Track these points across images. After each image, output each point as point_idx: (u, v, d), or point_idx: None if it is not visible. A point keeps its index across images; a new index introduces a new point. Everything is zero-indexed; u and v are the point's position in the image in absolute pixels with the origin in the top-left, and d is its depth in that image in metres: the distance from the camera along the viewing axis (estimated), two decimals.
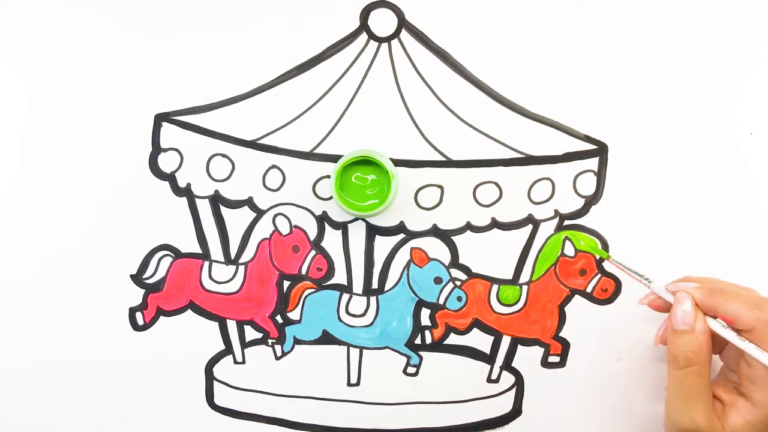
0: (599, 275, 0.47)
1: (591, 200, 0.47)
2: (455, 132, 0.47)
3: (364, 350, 0.48)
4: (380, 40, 0.47)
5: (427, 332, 0.48)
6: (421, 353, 0.48)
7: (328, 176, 0.47)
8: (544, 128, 0.47)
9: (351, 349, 0.48)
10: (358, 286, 0.48)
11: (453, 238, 0.47)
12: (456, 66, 0.47)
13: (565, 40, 0.46)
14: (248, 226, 0.48)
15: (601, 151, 0.47)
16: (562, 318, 0.47)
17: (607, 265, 0.47)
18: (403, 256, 0.48)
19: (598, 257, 0.45)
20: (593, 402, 0.48)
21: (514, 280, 0.48)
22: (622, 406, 0.48)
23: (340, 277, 0.48)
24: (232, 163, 0.47)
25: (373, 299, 0.48)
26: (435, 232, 0.47)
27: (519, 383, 0.48)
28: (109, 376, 0.48)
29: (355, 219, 0.48)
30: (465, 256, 0.47)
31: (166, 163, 0.48)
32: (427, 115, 0.47)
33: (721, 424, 0.39)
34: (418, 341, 0.48)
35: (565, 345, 0.48)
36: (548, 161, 0.47)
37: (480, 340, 0.48)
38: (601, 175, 0.47)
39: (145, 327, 0.48)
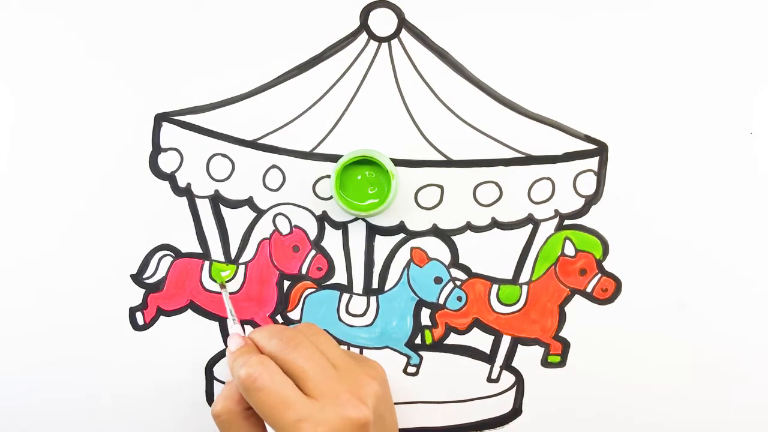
0: (599, 275, 0.47)
1: (591, 200, 0.47)
2: (455, 132, 0.47)
3: (364, 350, 0.48)
4: (380, 40, 0.47)
5: (426, 332, 0.48)
6: (421, 353, 0.48)
7: (328, 176, 0.47)
8: (544, 128, 0.47)
9: (351, 348, 0.48)
10: (358, 285, 0.48)
11: (453, 237, 0.47)
12: (456, 66, 0.47)
13: (565, 40, 0.46)
14: (248, 226, 0.48)
15: (601, 150, 0.47)
16: (562, 318, 0.47)
17: (607, 264, 0.47)
18: (403, 255, 0.48)
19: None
20: (593, 402, 0.48)
21: (514, 280, 0.48)
22: (623, 406, 0.48)
23: (340, 277, 0.48)
24: (232, 163, 0.47)
25: (373, 299, 0.48)
26: (435, 231, 0.47)
27: (519, 383, 0.48)
28: (109, 375, 0.48)
29: (355, 219, 0.48)
30: (465, 256, 0.47)
31: (166, 163, 0.48)
32: (427, 115, 0.47)
33: None
34: (418, 341, 0.48)
35: (565, 345, 0.48)
36: (548, 161, 0.47)
37: (480, 340, 0.48)
38: (601, 174, 0.47)
39: (145, 327, 0.48)
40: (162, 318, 0.48)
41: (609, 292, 0.47)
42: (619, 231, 0.47)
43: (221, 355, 0.48)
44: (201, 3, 0.47)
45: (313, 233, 0.48)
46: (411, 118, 0.47)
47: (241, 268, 0.48)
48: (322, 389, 0.38)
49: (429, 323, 0.48)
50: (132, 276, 0.48)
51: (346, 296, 0.48)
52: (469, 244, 0.47)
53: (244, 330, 0.45)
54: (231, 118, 0.47)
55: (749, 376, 0.47)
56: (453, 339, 0.48)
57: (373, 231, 0.48)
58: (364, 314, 0.48)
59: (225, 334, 0.48)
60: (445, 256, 0.48)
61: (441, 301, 0.48)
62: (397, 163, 0.47)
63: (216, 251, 0.48)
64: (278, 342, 0.40)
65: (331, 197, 0.47)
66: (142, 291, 0.48)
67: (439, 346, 0.48)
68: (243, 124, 0.47)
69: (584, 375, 0.48)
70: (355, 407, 0.38)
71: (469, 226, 0.47)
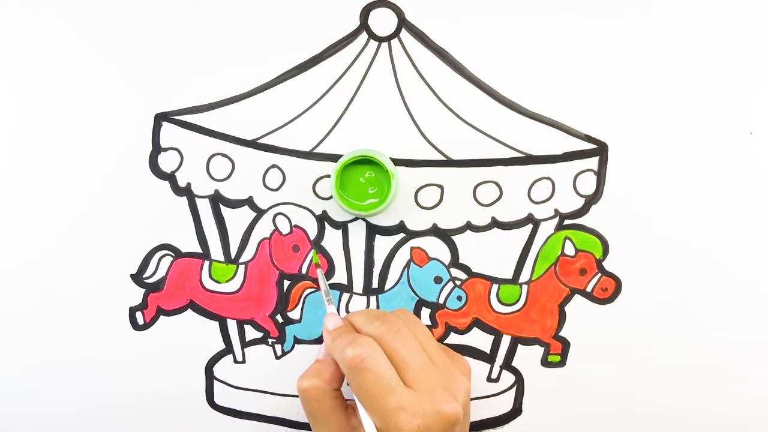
0: (599, 275, 0.47)
1: (591, 200, 0.47)
2: (455, 132, 0.47)
3: None
4: (380, 40, 0.47)
5: None
6: None
7: (328, 176, 0.47)
8: (544, 128, 0.47)
9: None
10: (358, 285, 0.48)
11: (453, 237, 0.47)
12: (456, 65, 0.47)
13: (566, 39, 0.46)
14: (248, 226, 0.48)
15: (601, 150, 0.47)
16: (562, 317, 0.47)
17: (607, 264, 0.47)
18: (403, 255, 0.48)
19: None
20: (593, 402, 0.48)
21: (514, 280, 0.48)
22: (623, 406, 0.48)
23: (340, 277, 0.48)
24: (232, 163, 0.47)
25: (373, 299, 0.48)
26: (435, 231, 0.47)
27: (519, 382, 0.48)
28: (109, 375, 0.48)
29: (355, 218, 0.48)
30: (465, 256, 0.47)
31: (166, 162, 0.48)
32: (427, 114, 0.47)
33: None
34: None
35: (565, 344, 0.48)
36: (548, 161, 0.47)
37: (480, 340, 0.48)
38: (601, 174, 0.47)
39: (145, 326, 0.48)
40: (162, 318, 0.48)
41: (609, 291, 0.47)
42: (619, 231, 0.47)
43: (221, 354, 0.48)
44: (201, 3, 0.47)
45: (313, 233, 0.48)
46: (411, 118, 0.47)
47: (241, 267, 0.48)
48: (419, 380, 0.38)
49: (429, 323, 0.48)
50: (132, 276, 0.48)
51: (346, 296, 0.48)
52: (469, 244, 0.47)
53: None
54: (231, 118, 0.47)
55: (749, 375, 0.47)
56: (453, 339, 0.48)
57: (373, 231, 0.48)
58: None
59: (225, 334, 0.48)
60: (445, 256, 0.48)
61: (441, 301, 0.48)
62: (397, 163, 0.47)
63: (216, 251, 0.48)
64: (380, 326, 0.39)
65: (331, 197, 0.47)
66: (142, 291, 0.48)
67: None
68: (243, 124, 0.47)
69: (584, 375, 0.48)
70: (448, 403, 0.38)
71: (469, 226, 0.47)
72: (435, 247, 0.48)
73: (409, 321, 0.42)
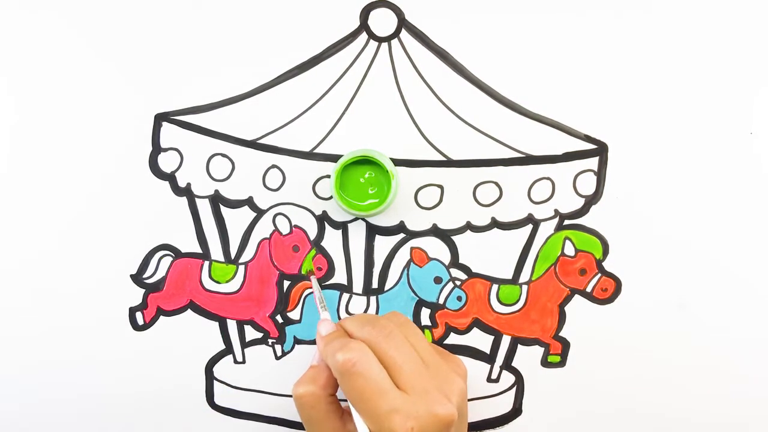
0: (599, 275, 0.47)
1: (591, 200, 0.47)
2: (455, 132, 0.47)
3: None
4: (380, 40, 0.47)
5: (426, 332, 0.48)
6: None
7: (328, 176, 0.47)
8: (544, 128, 0.47)
9: None
10: (358, 285, 0.48)
11: (453, 237, 0.47)
12: (456, 66, 0.47)
13: (566, 40, 0.46)
14: (248, 226, 0.48)
15: (601, 150, 0.47)
16: (562, 318, 0.47)
17: (607, 264, 0.47)
18: (403, 255, 0.48)
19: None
20: (593, 402, 0.48)
21: (514, 280, 0.48)
22: (623, 406, 0.48)
23: (340, 277, 0.48)
24: (232, 163, 0.47)
25: (373, 299, 0.48)
26: (435, 231, 0.47)
27: (519, 383, 0.48)
28: (109, 376, 0.48)
29: (355, 219, 0.48)
30: (465, 256, 0.47)
31: (166, 162, 0.48)
32: (427, 115, 0.47)
33: None
34: None
35: (565, 345, 0.48)
36: (548, 161, 0.47)
37: (480, 340, 0.48)
38: (601, 174, 0.47)
39: (145, 327, 0.48)
40: (162, 318, 0.48)
41: (609, 292, 0.47)
42: (619, 231, 0.47)
43: (221, 354, 0.48)
44: (201, 3, 0.47)
45: (313, 233, 0.48)
46: (411, 118, 0.47)
47: (241, 268, 0.48)
48: (412, 383, 0.38)
49: (429, 323, 0.48)
50: (132, 276, 0.48)
51: (346, 296, 0.48)
52: (469, 244, 0.47)
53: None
54: (231, 118, 0.47)
55: (749, 375, 0.47)
56: (453, 339, 0.48)
57: (373, 231, 0.48)
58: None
59: (225, 334, 0.48)
60: (445, 256, 0.48)
61: (441, 301, 0.48)
62: (397, 163, 0.47)
63: (216, 251, 0.48)
64: (371, 330, 0.40)
65: (331, 197, 0.47)
66: (142, 291, 0.48)
67: (439, 346, 0.48)
68: (243, 124, 0.47)
69: (584, 375, 0.48)
70: (442, 405, 0.38)
71: (469, 226, 0.47)
72: (435, 248, 0.48)
73: (402, 323, 0.42)
